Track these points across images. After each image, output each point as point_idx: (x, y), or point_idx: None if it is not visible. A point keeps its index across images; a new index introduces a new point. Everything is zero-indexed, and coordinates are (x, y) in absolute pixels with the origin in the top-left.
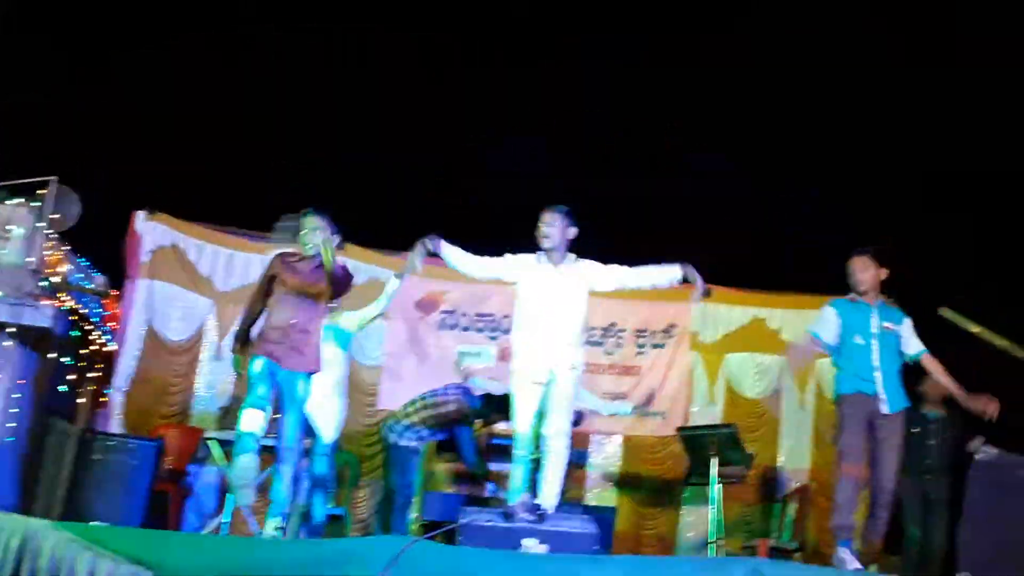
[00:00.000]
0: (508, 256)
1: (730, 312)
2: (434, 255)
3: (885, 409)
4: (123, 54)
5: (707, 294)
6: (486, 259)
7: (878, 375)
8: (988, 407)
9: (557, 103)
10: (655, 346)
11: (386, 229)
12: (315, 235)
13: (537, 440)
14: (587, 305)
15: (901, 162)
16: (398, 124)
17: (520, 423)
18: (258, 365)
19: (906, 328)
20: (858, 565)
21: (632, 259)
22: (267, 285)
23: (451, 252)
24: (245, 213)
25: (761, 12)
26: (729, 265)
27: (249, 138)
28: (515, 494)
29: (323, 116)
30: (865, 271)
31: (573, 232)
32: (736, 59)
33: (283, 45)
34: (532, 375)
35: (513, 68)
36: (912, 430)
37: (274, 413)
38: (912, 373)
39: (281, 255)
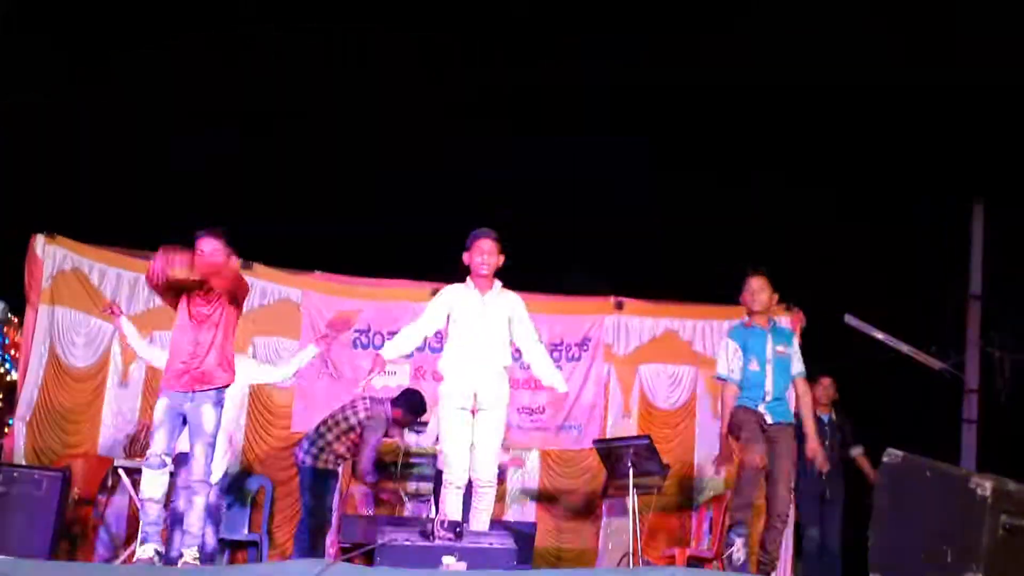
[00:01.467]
0: (435, 301)
1: (642, 324)
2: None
3: (769, 420)
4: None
5: (619, 307)
6: (421, 322)
7: (767, 399)
8: (817, 456)
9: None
10: (571, 359)
11: (294, 248)
12: None
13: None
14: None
15: (806, 174)
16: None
17: (451, 449)
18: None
19: (794, 348)
20: (744, 553)
21: (547, 271)
22: None
23: (396, 347)
24: (149, 235)
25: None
26: (640, 277)
27: (150, 157)
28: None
29: (226, 133)
30: (763, 291)
31: (502, 260)
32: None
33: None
34: (461, 400)
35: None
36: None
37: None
38: None
39: None
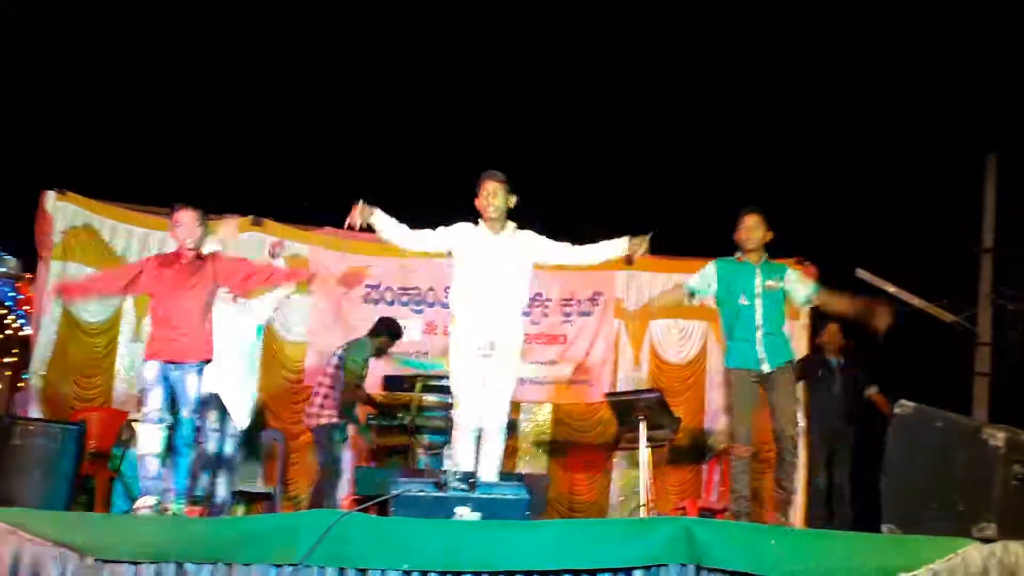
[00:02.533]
0: (442, 228)
1: (653, 279)
2: (367, 229)
3: (767, 368)
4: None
5: (629, 262)
6: (420, 232)
7: (759, 334)
8: (881, 319)
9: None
10: (581, 314)
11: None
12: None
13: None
14: (529, 276)
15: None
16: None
17: (463, 392)
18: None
19: (790, 280)
20: None
21: (556, 225)
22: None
23: (386, 224)
24: (160, 191)
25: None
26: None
27: (164, 115)
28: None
29: (233, 93)
30: (756, 229)
31: (513, 200)
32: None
33: (196, 28)
34: (475, 343)
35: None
36: (817, 375)
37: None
38: (812, 327)
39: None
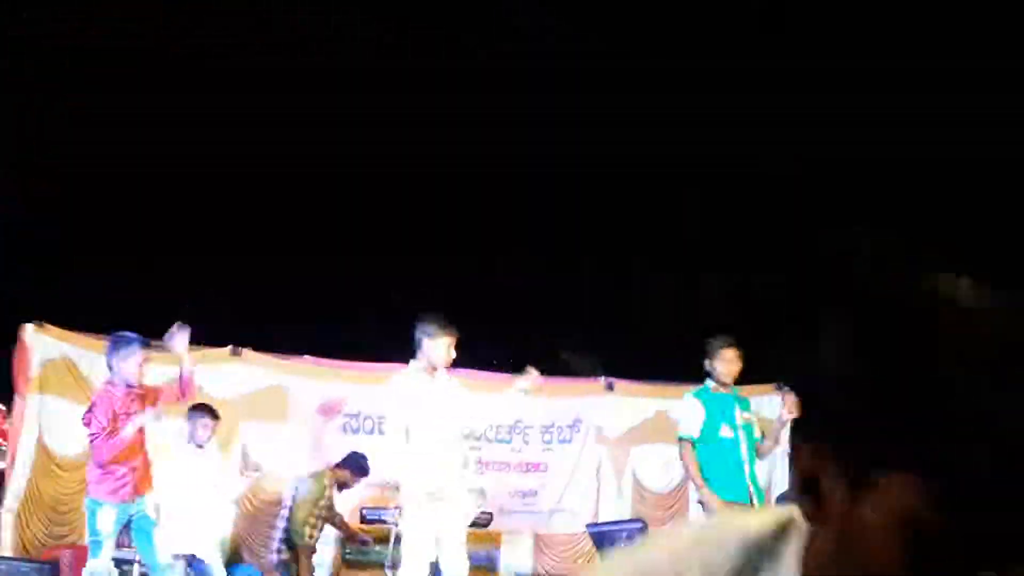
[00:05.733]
0: (395, 407)
1: (635, 405)
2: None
3: (756, 503)
4: None
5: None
6: (399, 431)
7: (747, 468)
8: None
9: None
10: (562, 441)
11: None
12: None
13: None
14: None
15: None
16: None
17: (417, 551)
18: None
19: (754, 416)
20: None
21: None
22: None
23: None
24: (136, 323)
25: None
26: (632, 359)
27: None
28: None
29: (210, 221)
30: (736, 362)
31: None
32: None
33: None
34: (426, 488)
35: None
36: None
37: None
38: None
39: None
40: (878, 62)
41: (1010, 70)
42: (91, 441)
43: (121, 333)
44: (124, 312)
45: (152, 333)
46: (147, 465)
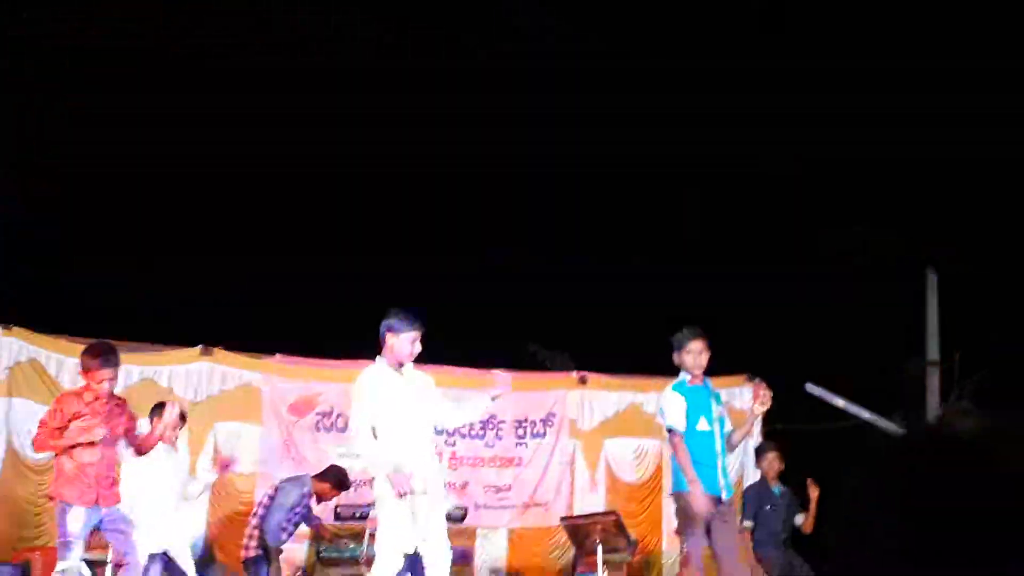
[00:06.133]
0: (367, 403)
1: (606, 398)
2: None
3: (725, 496)
4: None
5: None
6: (366, 425)
7: (719, 462)
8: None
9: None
10: (535, 436)
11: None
12: None
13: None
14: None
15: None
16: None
17: (392, 546)
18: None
19: (726, 409)
20: None
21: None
22: None
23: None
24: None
25: None
26: (604, 351)
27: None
28: None
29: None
30: (704, 353)
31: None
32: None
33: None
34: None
35: None
36: (764, 507)
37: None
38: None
39: None
40: (878, 62)
41: (1010, 70)
42: (36, 432)
43: (104, 342)
44: (124, 312)
45: (152, 333)
46: (115, 482)
